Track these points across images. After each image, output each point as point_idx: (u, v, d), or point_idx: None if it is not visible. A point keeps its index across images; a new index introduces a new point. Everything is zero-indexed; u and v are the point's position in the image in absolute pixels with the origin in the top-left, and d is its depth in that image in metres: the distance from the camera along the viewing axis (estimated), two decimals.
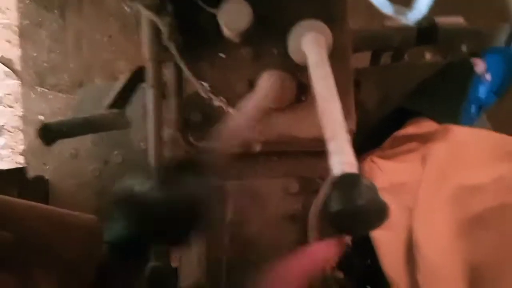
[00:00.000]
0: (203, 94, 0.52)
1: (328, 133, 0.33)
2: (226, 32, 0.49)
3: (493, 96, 0.63)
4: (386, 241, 0.47)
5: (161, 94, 0.52)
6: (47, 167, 1.14)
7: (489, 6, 1.10)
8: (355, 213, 0.28)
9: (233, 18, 0.46)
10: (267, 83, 0.44)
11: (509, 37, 0.61)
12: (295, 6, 0.50)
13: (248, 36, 0.49)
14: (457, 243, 0.41)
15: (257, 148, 0.54)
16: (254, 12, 0.46)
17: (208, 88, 0.52)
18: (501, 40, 0.62)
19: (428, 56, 1.05)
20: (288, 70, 0.50)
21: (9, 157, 1.26)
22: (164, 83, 0.59)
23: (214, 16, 0.47)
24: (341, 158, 0.31)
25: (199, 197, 0.21)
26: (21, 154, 1.30)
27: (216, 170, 0.26)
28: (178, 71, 0.55)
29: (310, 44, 0.42)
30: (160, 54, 0.50)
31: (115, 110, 0.56)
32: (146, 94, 0.52)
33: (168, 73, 0.57)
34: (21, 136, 1.30)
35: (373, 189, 0.29)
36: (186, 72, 0.51)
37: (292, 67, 0.50)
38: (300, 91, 0.51)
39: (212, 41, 0.52)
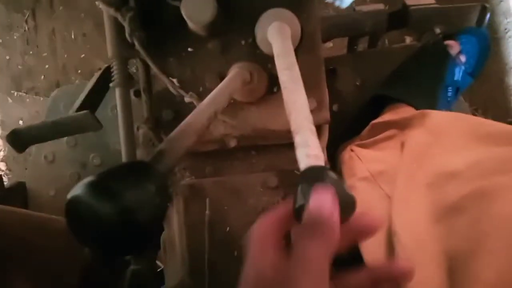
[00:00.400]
0: (172, 91, 0.51)
1: (293, 126, 0.31)
2: (191, 25, 0.47)
3: (469, 77, 0.62)
4: None
5: (128, 92, 0.50)
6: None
7: None
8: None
9: (197, 11, 0.44)
10: (232, 73, 0.43)
11: (481, 16, 0.60)
12: None
13: (215, 29, 0.48)
14: (434, 230, 0.40)
15: (232, 143, 0.53)
16: (220, 3, 0.45)
17: (177, 84, 0.50)
18: (473, 20, 0.61)
19: (408, 40, 1.05)
20: (258, 61, 0.49)
21: None
22: (137, 81, 0.58)
23: (178, 10, 0.46)
24: (306, 151, 0.30)
25: (143, 206, 0.20)
26: (1, 160, 1.28)
27: (169, 170, 0.24)
28: (146, 68, 0.53)
29: (275, 34, 0.41)
30: (125, 51, 0.49)
31: (84, 112, 0.54)
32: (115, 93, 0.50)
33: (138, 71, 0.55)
34: (0, 142, 1.27)
35: (339, 181, 0.28)
36: (154, 69, 0.49)
37: (262, 58, 0.49)
38: (272, 82, 0.50)
39: (178, 36, 0.50)
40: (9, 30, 1.22)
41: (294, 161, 0.30)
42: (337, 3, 0.29)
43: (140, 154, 0.56)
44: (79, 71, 1.20)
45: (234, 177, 0.56)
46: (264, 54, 0.49)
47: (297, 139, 0.31)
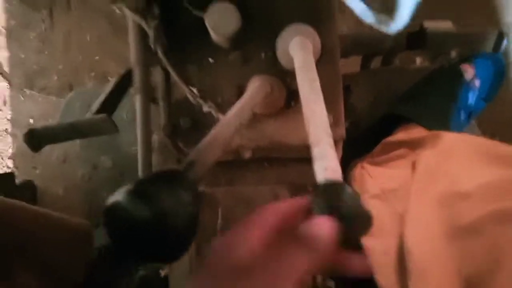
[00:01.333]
0: (191, 99, 0.52)
1: (311, 138, 0.32)
2: (214, 36, 0.48)
3: (482, 102, 0.63)
4: (378, 249, 0.47)
5: (148, 99, 0.51)
6: (37, 171, 1.12)
7: (478, 11, 1.12)
8: (338, 222, 0.26)
9: (221, 22, 0.46)
10: (254, 86, 0.44)
11: (498, 42, 0.61)
12: (283, 10, 0.49)
13: (237, 41, 0.49)
14: (447, 249, 0.40)
15: (247, 154, 0.54)
16: (243, 16, 0.46)
17: (197, 93, 0.51)
18: (490, 45, 0.62)
19: (418, 61, 1.06)
20: (277, 75, 0.50)
21: None
22: (154, 88, 0.59)
23: (202, 20, 0.47)
24: (324, 164, 0.30)
25: (179, 213, 0.21)
26: (10, 157, 1.28)
27: (199, 180, 0.25)
28: (166, 76, 0.54)
29: (296, 48, 0.42)
30: (147, 58, 0.50)
31: (102, 115, 0.55)
32: (135, 99, 0.51)
33: (157, 78, 0.56)
34: (10, 139, 1.27)
35: (356, 197, 0.28)
36: (174, 77, 0.50)
37: (282, 72, 0.50)
38: (290, 96, 0.51)
39: (200, 45, 0.52)
40: (26, 29, 1.24)
41: (306, 175, 0.30)
42: (383, 29, 0.29)
43: (155, 160, 0.57)
44: (93, 73, 1.21)
45: (246, 188, 0.57)
46: (283, 68, 0.49)
47: (315, 152, 0.31)
